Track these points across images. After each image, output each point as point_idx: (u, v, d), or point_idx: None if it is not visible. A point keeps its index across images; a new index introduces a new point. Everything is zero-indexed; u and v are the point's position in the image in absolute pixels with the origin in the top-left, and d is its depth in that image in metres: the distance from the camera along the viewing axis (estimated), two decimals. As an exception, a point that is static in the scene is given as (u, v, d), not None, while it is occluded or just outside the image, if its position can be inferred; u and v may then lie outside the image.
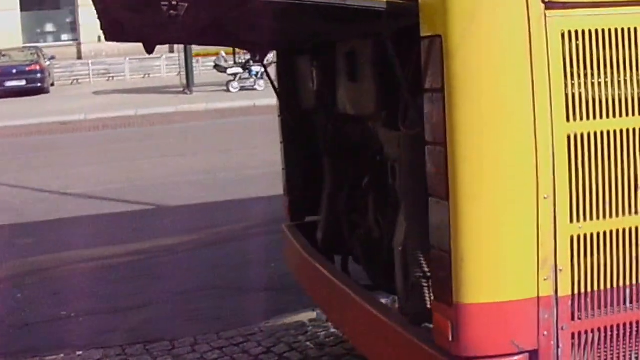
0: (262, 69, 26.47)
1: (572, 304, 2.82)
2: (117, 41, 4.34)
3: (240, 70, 27.35)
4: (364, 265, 4.44)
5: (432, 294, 3.11)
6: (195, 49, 28.00)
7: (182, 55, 28.93)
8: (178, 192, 10.72)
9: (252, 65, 26.51)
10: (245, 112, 21.23)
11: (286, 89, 4.94)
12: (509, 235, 2.75)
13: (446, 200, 2.76)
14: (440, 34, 2.71)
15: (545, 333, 2.79)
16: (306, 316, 5.83)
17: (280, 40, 4.16)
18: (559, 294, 2.79)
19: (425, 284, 3.16)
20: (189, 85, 27.88)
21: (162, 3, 2.65)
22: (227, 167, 12.49)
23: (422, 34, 2.82)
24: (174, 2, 2.65)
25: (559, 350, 2.81)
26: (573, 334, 2.84)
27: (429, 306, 3.14)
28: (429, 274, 3.14)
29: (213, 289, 6.63)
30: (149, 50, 4.40)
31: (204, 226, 8.73)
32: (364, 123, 4.00)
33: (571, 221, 2.78)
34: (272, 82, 4.91)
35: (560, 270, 2.78)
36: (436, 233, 2.86)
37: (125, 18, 3.60)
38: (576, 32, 2.74)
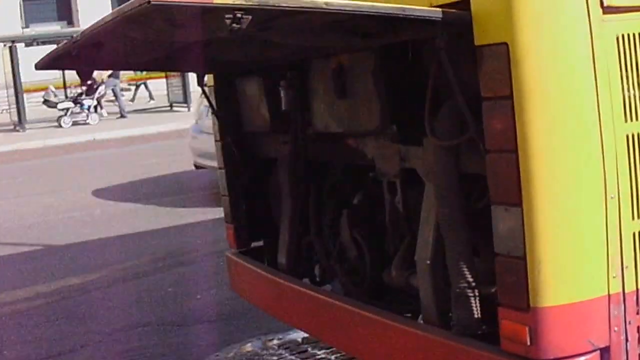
0: (96, 102, 26.14)
1: (637, 299, 2.90)
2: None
3: (71, 104, 26.46)
4: (343, 284, 4.38)
5: (480, 303, 3.13)
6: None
7: (11, 90, 27.60)
8: (59, 231, 10.23)
9: (83, 99, 25.81)
10: (85, 146, 20.62)
11: (227, 112, 4.82)
12: (582, 236, 2.80)
13: (519, 206, 2.77)
14: (507, 41, 2.73)
15: (616, 329, 2.85)
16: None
17: (271, 59, 4.05)
18: (626, 290, 2.87)
19: (471, 295, 3.16)
20: (20, 122, 26.65)
21: (226, 16, 2.52)
22: (97, 203, 12.00)
23: (479, 43, 2.83)
24: (238, 15, 2.53)
25: (628, 344, 2.88)
26: (639, 328, 2.91)
27: (476, 316, 3.15)
28: (474, 284, 3.15)
29: (145, 325, 6.35)
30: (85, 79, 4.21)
31: (108, 262, 8.37)
32: (352, 140, 3.96)
33: (633, 218, 2.86)
34: (211, 105, 4.78)
35: (626, 267, 2.85)
36: (505, 240, 2.86)
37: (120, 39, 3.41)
38: (630, 35, 2.83)
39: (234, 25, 2.54)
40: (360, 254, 4.17)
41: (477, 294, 3.16)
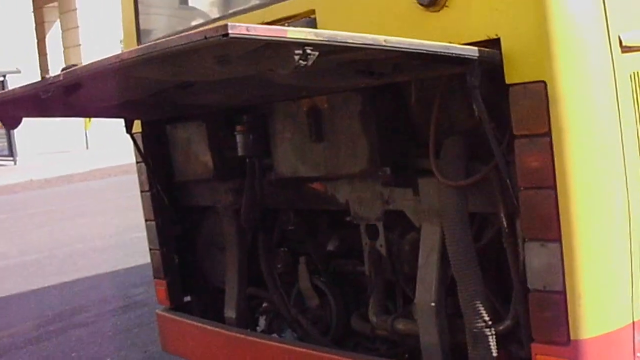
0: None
1: (656, 325, 3.03)
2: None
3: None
4: (302, 333, 4.26)
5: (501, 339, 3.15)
6: None
7: None
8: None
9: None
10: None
11: (158, 160, 4.61)
12: (615, 266, 2.90)
13: (558, 242, 2.83)
14: (544, 79, 2.79)
15: (638, 354, 2.96)
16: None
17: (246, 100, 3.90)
18: (652, 318, 2.99)
19: (489, 333, 3.17)
20: None
21: (296, 52, 2.42)
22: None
23: (512, 81, 2.88)
24: (308, 51, 2.43)
25: (648, 369, 3.00)
26: (656, 352, 3.04)
27: (494, 354, 3.16)
28: (490, 323, 3.16)
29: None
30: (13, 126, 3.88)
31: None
32: (319, 184, 3.90)
33: (650, 248, 3.00)
34: (141, 154, 4.55)
35: None
36: (541, 275, 2.90)
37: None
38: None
39: (301, 61, 2.43)
40: (324, 301, 4.08)
41: (494, 332, 3.16)
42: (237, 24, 2.27)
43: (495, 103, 2.97)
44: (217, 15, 4.31)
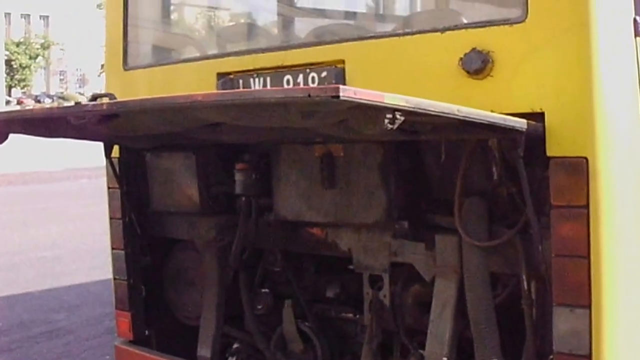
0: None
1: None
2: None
3: None
4: None
5: None
6: None
7: None
8: None
9: None
10: None
11: (133, 188, 4.52)
12: (636, 332, 3.08)
13: (587, 308, 2.99)
14: (586, 156, 2.96)
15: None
16: None
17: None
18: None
19: None
20: None
21: (387, 116, 2.50)
22: None
23: (553, 154, 3.02)
24: (397, 115, 2.52)
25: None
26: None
27: None
28: None
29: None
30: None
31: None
32: (319, 230, 3.93)
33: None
34: (118, 180, 4.45)
35: None
36: (567, 339, 3.04)
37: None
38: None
39: (389, 125, 2.51)
40: (308, 347, 4.10)
41: None
42: (348, 87, 2.33)
43: (529, 172, 3.09)
44: (230, 48, 4.27)
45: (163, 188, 4.38)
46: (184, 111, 2.82)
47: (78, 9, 72.25)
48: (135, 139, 4.02)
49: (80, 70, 79.82)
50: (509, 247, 3.29)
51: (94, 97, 3.77)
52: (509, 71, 3.10)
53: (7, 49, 66.85)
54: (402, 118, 2.51)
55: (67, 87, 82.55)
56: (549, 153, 3.04)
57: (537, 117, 3.03)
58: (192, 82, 4.01)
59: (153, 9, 4.73)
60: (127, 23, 4.28)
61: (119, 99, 3.15)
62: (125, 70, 4.31)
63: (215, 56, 4.11)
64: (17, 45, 70.36)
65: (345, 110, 2.53)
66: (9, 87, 69.94)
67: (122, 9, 4.27)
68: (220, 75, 3.86)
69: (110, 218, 4.53)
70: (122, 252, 4.49)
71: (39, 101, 68.64)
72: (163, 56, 4.58)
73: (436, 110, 2.61)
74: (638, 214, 3.06)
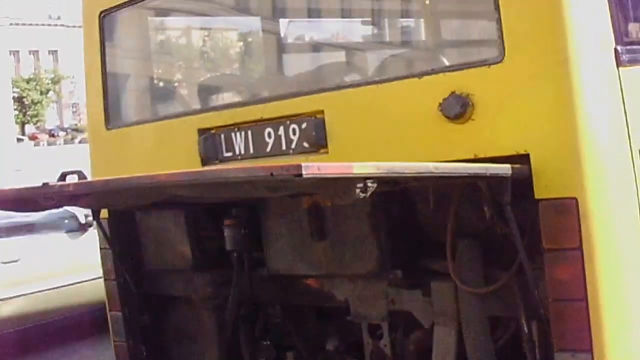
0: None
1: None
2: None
3: None
4: None
5: None
6: None
7: None
8: None
9: None
10: None
11: (125, 248, 4.44)
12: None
13: (589, 352, 2.88)
14: (576, 196, 2.86)
15: None
16: None
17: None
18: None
19: None
20: None
21: (357, 185, 2.42)
22: None
23: (541, 196, 2.93)
24: (369, 183, 2.43)
25: None
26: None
27: None
28: None
29: None
30: None
31: None
32: (314, 281, 3.85)
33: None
34: (108, 241, 4.36)
35: None
36: None
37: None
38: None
39: (361, 193, 2.43)
40: None
41: None
42: (309, 164, 2.25)
43: (517, 215, 3.00)
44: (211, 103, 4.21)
45: (155, 246, 4.31)
46: (149, 189, 2.75)
47: (86, 41, 72.57)
48: (121, 202, 3.95)
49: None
50: (506, 289, 3.19)
51: (63, 176, 3.71)
52: (490, 113, 3.02)
53: (17, 86, 67.36)
54: (375, 185, 2.43)
55: (81, 119, 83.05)
56: (537, 195, 2.94)
57: (522, 159, 2.94)
58: (174, 139, 3.94)
59: (132, 65, 4.68)
60: (106, 82, 4.23)
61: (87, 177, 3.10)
62: (108, 129, 4.25)
63: (195, 112, 4.05)
64: (28, 81, 70.83)
65: (312, 185, 2.45)
66: (22, 124, 70.49)
67: (100, 69, 4.22)
68: (202, 131, 3.79)
69: (105, 279, 4.47)
70: (119, 313, 4.42)
71: (53, 135, 69.15)
72: (145, 113, 4.52)
73: (411, 172, 2.54)
74: (631, 252, 2.95)
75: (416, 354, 3.62)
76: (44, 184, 2.95)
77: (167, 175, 2.47)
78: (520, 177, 2.91)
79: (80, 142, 60.58)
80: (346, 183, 2.42)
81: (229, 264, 4.10)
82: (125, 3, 4.21)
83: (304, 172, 2.19)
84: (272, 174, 2.20)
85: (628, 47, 3.02)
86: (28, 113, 70.90)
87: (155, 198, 3.12)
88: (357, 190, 2.41)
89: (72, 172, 3.72)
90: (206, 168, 2.51)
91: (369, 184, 2.42)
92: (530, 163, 2.93)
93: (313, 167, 2.21)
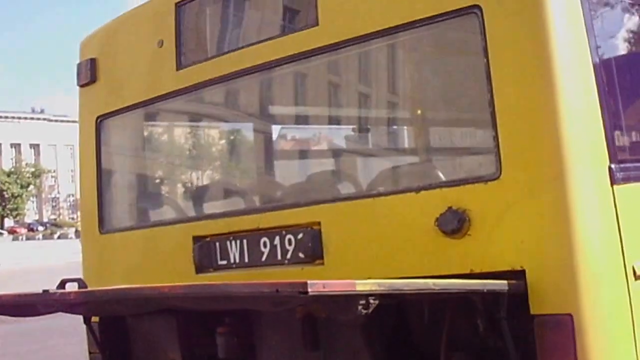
0: None
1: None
2: None
3: None
4: None
5: None
6: None
7: None
8: None
9: None
10: None
11: (117, 353, 4.37)
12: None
13: None
14: (571, 312, 2.88)
15: None
16: None
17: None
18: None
19: None
20: None
21: (360, 302, 2.44)
22: None
23: (537, 312, 2.94)
24: (371, 300, 2.45)
25: None
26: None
27: None
28: None
29: None
30: None
31: None
32: None
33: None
34: (98, 346, 4.29)
35: None
36: None
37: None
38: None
39: (363, 310, 2.45)
40: None
41: None
42: (315, 282, 2.27)
43: (511, 329, 3.01)
44: (206, 210, 4.23)
45: (146, 352, 4.26)
46: (150, 301, 2.75)
47: (68, 136, 73.10)
48: (119, 310, 3.94)
49: (73, 196, 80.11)
50: None
51: (63, 283, 3.71)
52: (486, 229, 3.05)
53: (-2, 180, 67.46)
54: (376, 302, 2.46)
55: (60, 213, 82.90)
56: (532, 311, 2.96)
57: (518, 274, 2.97)
58: (169, 246, 3.96)
59: (127, 170, 4.72)
60: (101, 188, 4.26)
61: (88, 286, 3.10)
62: (102, 234, 4.26)
63: (190, 219, 4.08)
64: (8, 175, 70.90)
65: (314, 301, 2.46)
66: (1, 217, 70.22)
67: (95, 175, 4.25)
68: (197, 239, 3.81)
69: None
70: None
71: (32, 229, 68.86)
72: (139, 219, 4.54)
73: (411, 288, 2.56)
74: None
75: None
76: (44, 291, 2.95)
77: (170, 288, 2.48)
78: (515, 292, 2.93)
79: (59, 237, 60.39)
80: (349, 300, 2.43)
81: None
82: (122, 109, 4.29)
83: (309, 290, 2.21)
84: (277, 291, 2.22)
85: (622, 165, 3.09)
86: (7, 206, 70.67)
87: (154, 307, 3.11)
88: (360, 307, 2.43)
89: (72, 280, 3.72)
90: (209, 283, 2.52)
91: (371, 301, 2.44)
92: (526, 279, 2.96)
93: (318, 284, 2.23)
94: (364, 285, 2.39)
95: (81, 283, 3.73)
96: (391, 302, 2.99)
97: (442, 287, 2.67)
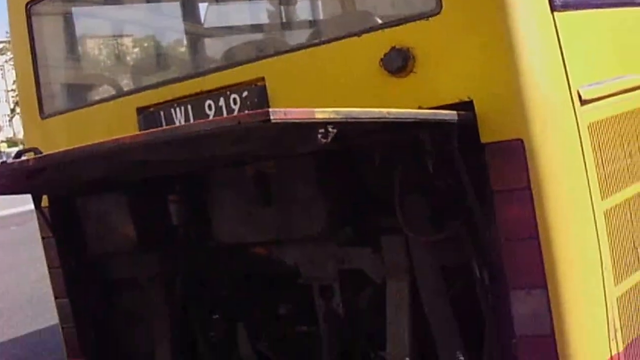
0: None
1: (625, 356, 3.25)
2: None
3: None
4: None
5: None
6: None
7: None
8: None
9: None
10: None
11: (69, 235, 4.38)
12: (596, 308, 3.09)
13: (544, 288, 2.98)
14: (522, 137, 2.96)
15: (617, 388, 3.17)
16: None
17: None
18: (619, 350, 3.20)
19: None
20: None
21: (319, 131, 2.47)
22: None
23: (488, 140, 3.01)
24: (329, 128, 2.48)
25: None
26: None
27: None
28: None
29: None
30: None
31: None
32: (261, 248, 3.88)
33: (615, 284, 3.22)
34: (51, 229, 4.30)
35: (617, 330, 3.20)
36: (528, 322, 3.03)
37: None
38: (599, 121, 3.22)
39: (322, 139, 2.48)
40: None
41: None
42: (277, 110, 2.28)
43: (465, 161, 3.08)
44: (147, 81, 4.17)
45: (99, 231, 4.24)
46: (112, 155, 2.73)
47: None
48: (63, 188, 3.90)
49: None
50: (457, 238, 3.27)
51: (19, 154, 3.65)
52: (431, 65, 3.09)
53: None
54: (335, 130, 2.48)
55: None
56: (483, 139, 3.02)
57: (466, 105, 3.02)
58: (113, 121, 3.90)
59: (62, 52, 4.61)
60: (37, 71, 4.16)
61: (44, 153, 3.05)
62: (43, 119, 4.18)
63: (132, 91, 4.02)
64: None
65: (276, 132, 2.48)
66: None
67: (30, 59, 4.15)
68: (140, 110, 3.77)
69: (49, 267, 4.39)
70: (66, 300, 4.35)
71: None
72: (80, 99, 4.46)
73: (367, 117, 2.59)
74: (576, 187, 3.06)
75: (369, 311, 3.67)
76: (1, 162, 2.90)
77: (131, 137, 2.47)
78: (465, 122, 2.99)
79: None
80: (308, 129, 2.46)
81: (174, 242, 4.09)
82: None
83: (272, 117, 2.22)
84: (239, 122, 2.22)
85: (560, -7, 3.13)
86: None
87: (116, 168, 3.09)
88: (319, 136, 2.45)
89: (29, 150, 3.68)
90: (169, 127, 2.50)
91: (330, 129, 2.46)
92: (475, 109, 3.02)
93: (280, 112, 2.25)
94: (322, 113, 2.41)
95: (37, 151, 3.68)
96: (342, 145, 3.03)
97: (396, 115, 2.70)
